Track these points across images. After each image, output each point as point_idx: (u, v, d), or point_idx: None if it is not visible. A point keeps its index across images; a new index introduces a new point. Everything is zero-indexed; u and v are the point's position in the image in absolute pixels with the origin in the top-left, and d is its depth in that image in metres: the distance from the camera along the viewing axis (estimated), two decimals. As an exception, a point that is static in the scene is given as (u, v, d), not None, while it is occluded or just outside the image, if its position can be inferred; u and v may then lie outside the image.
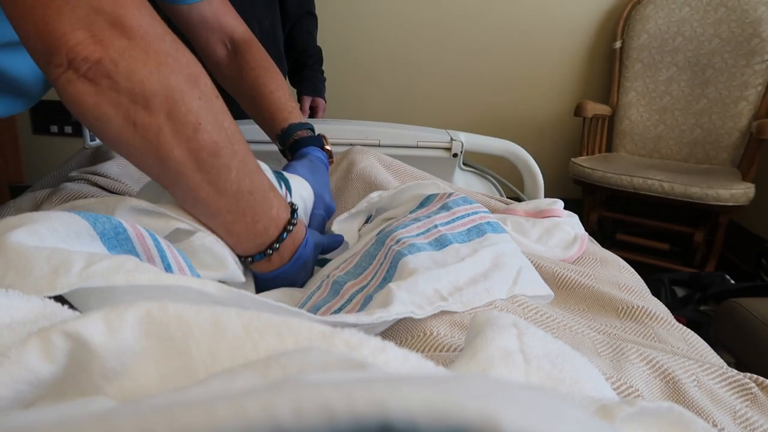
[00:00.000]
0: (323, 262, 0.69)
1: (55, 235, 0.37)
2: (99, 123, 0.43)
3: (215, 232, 0.52)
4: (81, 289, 0.33)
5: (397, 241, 0.59)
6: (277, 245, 0.55)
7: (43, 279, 0.32)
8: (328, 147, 0.86)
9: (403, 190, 0.77)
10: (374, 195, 0.76)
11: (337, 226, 0.72)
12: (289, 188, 0.67)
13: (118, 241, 0.42)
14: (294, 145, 0.83)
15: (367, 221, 0.79)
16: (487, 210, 0.69)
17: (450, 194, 0.71)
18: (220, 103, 0.49)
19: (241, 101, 0.89)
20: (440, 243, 0.60)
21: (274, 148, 0.89)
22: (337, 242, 0.70)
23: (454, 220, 0.65)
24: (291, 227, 0.56)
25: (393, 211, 0.75)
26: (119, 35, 0.42)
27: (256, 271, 0.57)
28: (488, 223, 0.66)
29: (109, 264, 0.34)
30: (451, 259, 0.56)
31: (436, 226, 0.63)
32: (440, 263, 0.55)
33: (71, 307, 0.33)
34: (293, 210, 0.58)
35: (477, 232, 0.64)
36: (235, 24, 0.88)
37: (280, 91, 0.85)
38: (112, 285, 0.33)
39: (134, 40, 0.42)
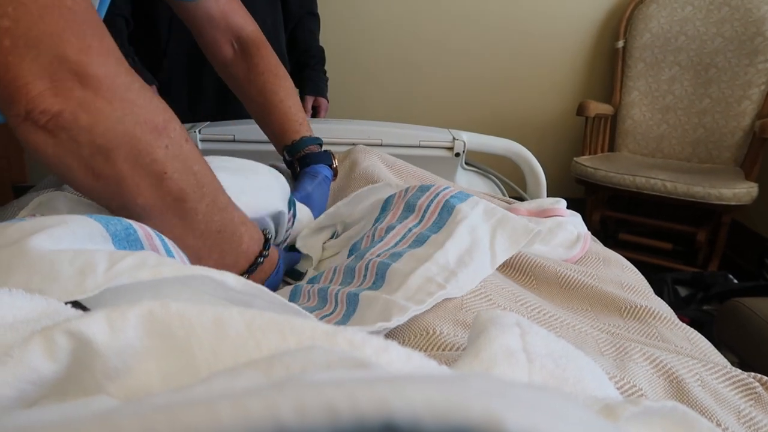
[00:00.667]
0: (296, 274, 0.69)
1: (71, 238, 0.37)
2: (60, 171, 0.43)
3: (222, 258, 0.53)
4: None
5: (378, 255, 0.59)
6: (246, 275, 0.56)
7: (70, 281, 0.32)
8: (335, 164, 0.87)
9: (359, 198, 0.77)
10: (332, 208, 0.77)
11: (301, 242, 0.73)
12: (294, 215, 0.70)
13: (128, 242, 0.42)
14: (304, 159, 0.83)
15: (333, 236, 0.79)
16: (448, 185, 0.70)
17: (407, 190, 0.72)
18: (189, 147, 0.48)
19: (247, 104, 0.89)
20: (419, 242, 0.61)
21: (273, 147, 0.90)
22: (293, 261, 0.70)
23: (423, 216, 0.66)
24: (261, 259, 0.57)
25: (357, 227, 0.75)
26: (82, 86, 0.41)
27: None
28: (453, 196, 0.67)
29: (133, 261, 0.34)
30: (432, 250, 0.57)
31: (410, 230, 0.63)
32: (424, 258, 0.56)
33: (74, 305, 0.33)
34: (266, 240, 0.58)
35: (447, 211, 0.64)
36: (243, 23, 0.87)
37: (289, 99, 0.85)
38: (139, 281, 0.33)
39: (98, 91, 0.42)
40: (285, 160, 0.87)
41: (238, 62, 0.87)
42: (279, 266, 0.61)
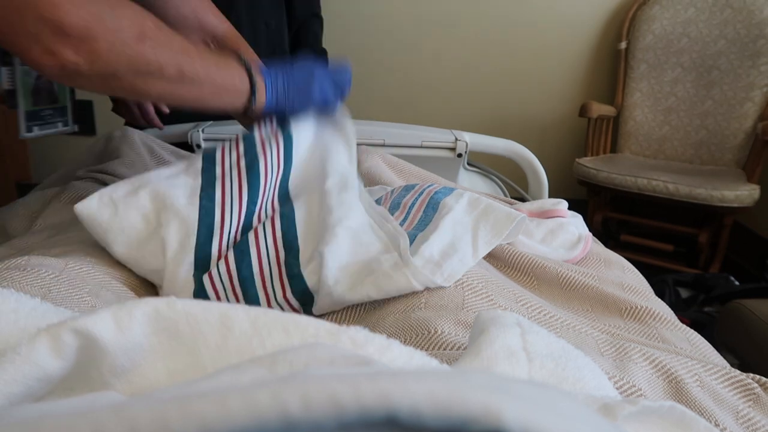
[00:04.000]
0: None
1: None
2: (88, 90, 0.55)
3: (220, 109, 0.65)
4: None
5: None
6: (254, 82, 0.66)
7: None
8: None
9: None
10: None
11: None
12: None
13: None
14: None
15: None
16: (432, 183, 0.71)
17: (392, 191, 0.72)
18: (164, 32, 0.57)
19: None
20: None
21: None
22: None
23: (408, 212, 0.66)
24: (251, 70, 0.67)
25: None
26: (66, 38, 0.48)
27: (259, 109, 0.68)
28: (438, 191, 0.68)
29: None
30: (419, 243, 0.58)
31: None
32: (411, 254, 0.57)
33: None
34: (243, 62, 0.68)
35: (432, 207, 0.65)
36: (216, 22, 0.88)
37: None
38: None
39: (81, 35, 0.48)
40: None
41: None
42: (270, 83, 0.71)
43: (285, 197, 0.66)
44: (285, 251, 0.58)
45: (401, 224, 0.64)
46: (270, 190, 0.64)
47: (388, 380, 0.11)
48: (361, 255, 0.57)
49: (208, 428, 0.11)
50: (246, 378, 0.17)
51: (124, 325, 0.25)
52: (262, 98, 0.69)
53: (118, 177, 0.85)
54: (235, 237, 0.59)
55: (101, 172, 0.86)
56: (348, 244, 0.57)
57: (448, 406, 0.11)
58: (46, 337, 0.25)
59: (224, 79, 0.64)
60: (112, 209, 0.57)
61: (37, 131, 0.76)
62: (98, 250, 0.58)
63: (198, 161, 0.66)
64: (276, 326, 0.24)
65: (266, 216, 0.62)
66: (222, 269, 0.56)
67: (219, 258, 0.57)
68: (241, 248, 0.58)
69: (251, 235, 0.59)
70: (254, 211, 0.61)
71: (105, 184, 0.83)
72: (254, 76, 0.67)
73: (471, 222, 0.64)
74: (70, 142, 2.59)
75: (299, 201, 0.64)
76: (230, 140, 0.69)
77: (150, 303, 0.26)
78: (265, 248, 0.58)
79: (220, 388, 0.12)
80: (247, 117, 0.71)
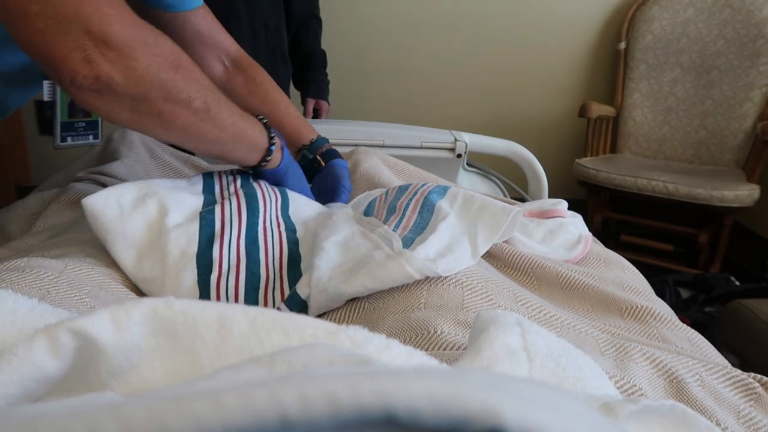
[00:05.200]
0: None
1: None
2: (111, 117, 0.55)
3: (233, 158, 0.68)
4: None
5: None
6: (272, 134, 0.71)
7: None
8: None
9: (356, 206, 0.78)
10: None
11: None
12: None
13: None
14: (327, 154, 0.91)
15: None
16: (424, 182, 0.71)
17: (387, 192, 0.73)
18: (197, 71, 0.60)
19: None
20: (403, 244, 0.61)
21: None
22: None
23: (403, 214, 0.66)
24: (272, 132, 0.71)
25: None
26: (108, 51, 0.50)
27: (273, 166, 0.73)
28: (431, 191, 0.68)
29: None
30: (416, 245, 0.58)
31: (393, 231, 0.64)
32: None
33: None
34: (263, 122, 0.71)
35: (428, 210, 0.65)
36: (230, 42, 0.92)
37: (291, 107, 0.95)
38: None
39: (122, 51, 0.50)
40: (304, 158, 0.92)
41: (232, 76, 0.92)
42: (283, 147, 0.76)
43: (287, 217, 0.68)
44: (288, 265, 0.59)
45: (397, 226, 0.64)
46: (271, 210, 0.66)
47: (386, 379, 0.11)
48: (351, 254, 0.57)
49: (204, 427, 0.11)
50: (244, 377, 0.17)
51: (122, 325, 0.25)
52: (277, 159, 0.73)
53: (118, 178, 0.85)
54: (237, 242, 0.59)
55: (101, 173, 0.86)
56: (337, 252, 0.58)
57: (447, 404, 0.11)
58: (43, 338, 0.25)
59: (246, 128, 0.66)
60: (118, 211, 0.58)
61: (69, 141, 0.82)
62: (97, 251, 0.58)
63: (198, 183, 0.69)
64: (274, 326, 0.24)
65: (271, 228, 0.63)
66: (231, 279, 0.56)
67: (221, 261, 0.57)
68: (250, 252, 0.58)
69: (260, 241, 0.60)
70: (257, 222, 0.62)
71: (105, 185, 0.83)
72: (273, 136, 0.71)
73: (468, 222, 0.64)
74: (69, 144, 2.59)
75: (298, 225, 0.67)
76: (226, 174, 0.73)
77: (148, 303, 0.26)
78: (272, 256, 0.59)
79: (217, 388, 0.12)
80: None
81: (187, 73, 0.58)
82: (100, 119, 0.84)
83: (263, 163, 0.71)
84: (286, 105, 0.93)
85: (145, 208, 0.59)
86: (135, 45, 0.51)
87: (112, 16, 0.50)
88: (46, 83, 0.76)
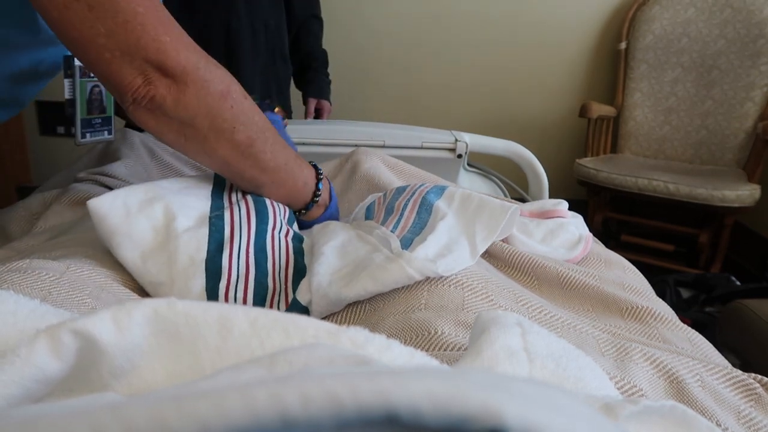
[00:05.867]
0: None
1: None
2: (159, 137, 0.59)
3: (272, 198, 0.67)
4: None
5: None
6: (319, 192, 0.70)
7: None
8: (277, 110, 1.00)
9: (355, 216, 0.78)
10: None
11: None
12: None
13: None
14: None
15: None
16: (422, 183, 0.71)
17: (385, 194, 0.73)
18: (249, 103, 0.61)
19: None
20: (402, 245, 0.61)
21: None
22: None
23: (401, 215, 0.66)
24: (322, 176, 0.71)
25: None
26: (164, 76, 0.55)
27: (309, 219, 0.73)
28: (429, 192, 0.68)
29: None
30: (416, 245, 0.58)
31: (391, 232, 0.64)
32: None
33: None
34: (314, 166, 0.72)
35: (426, 210, 0.65)
36: None
37: None
38: None
39: (176, 77, 0.55)
40: None
41: None
42: (332, 194, 0.75)
43: (293, 225, 0.68)
44: (294, 276, 0.59)
45: (396, 226, 0.64)
46: (279, 217, 0.66)
47: (386, 379, 0.11)
48: (350, 257, 0.57)
49: (206, 427, 0.11)
50: (245, 378, 0.17)
51: (124, 326, 0.25)
52: (317, 212, 0.73)
53: (119, 179, 0.85)
54: (247, 251, 0.59)
55: (102, 174, 0.86)
56: (335, 256, 0.58)
57: (447, 404, 0.11)
58: (45, 339, 0.25)
59: (290, 174, 0.66)
60: (124, 213, 0.57)
61: (89, 137, 0.83)
62: (99, 252, 0.58)
63: (207, 185, 0.68)
64: (275, 327, 0.24)
65: (279, 236, 0.63)
66: (240, 288, 0.56)
67: (230, 270, 0.56)
68: (259, 261, 0.58)
69: (269, 249, 0.59)
70: (266, 230, 0.61)
71: (106, 185, 0.83)
72: (320, 190, 0.71)
73: (466, 221, 0.64)
74: (69, 145, 2.59)
75: (305, 233, 0.67)
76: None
77: (149, 304, 0.26)
78: (278, 266, 0.59)
79: (218, 387, 0.12)
80: None
81: (237, 104, 0.59)
82: (113, 115, 0.86)
83: (303, 211, 0.71)
84: None
85: (152, 211, 0.58)
86: (188, 70, 0.55)
87: (168, 44, 0.54)
88: (66, 81, 0.77)
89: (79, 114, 0.80)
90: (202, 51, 0.58)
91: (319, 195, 0.70)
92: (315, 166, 0.72)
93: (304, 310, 0.55)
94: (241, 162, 0.61)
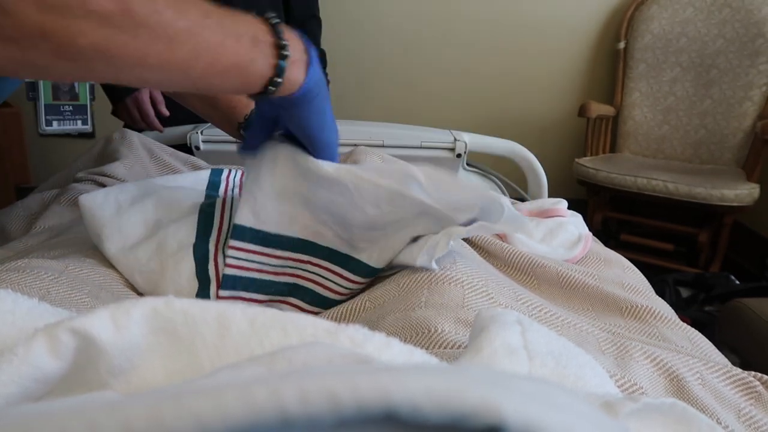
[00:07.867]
0: None
1: None
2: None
3: (219, 89, 0.48)
4: None
5: None
6: (284, 41, 0.45)
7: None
8: None
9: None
10: None
11: None
12: None
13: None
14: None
15: None
16: None
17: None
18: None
19: (187, 100, 0.81)
20: None
21: None
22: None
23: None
24: (275, 20, 0.46)
25: None
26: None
27: (291, 89, 0.48)
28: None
29: None
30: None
31: None
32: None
33: None
34: (270, 22, 0.46)
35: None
36: None
37: None
38: None
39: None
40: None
41: None
42: (306, 43, 0.50)
43: None
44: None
45: None
46: None
47: (386, 376, 0.11)
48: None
49: (203, 425, 0.11)
50: (244, 376, 0.17)
51: (122, 324, 0.25)
52: (300, 75, 0.48)
53: (118, 179, 0.85)
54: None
55: (100, 174, 0.86)
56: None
57: (447, 400, 0.11)
58: (43, 338, 0.25)
59: (218, 31, 0.42)
60: (116, 209, 0.57)
61: (56, 126, 0.75)
62: (98, 251, 0.58)
63: (203, 181, 0.67)
64: (274, 326, 0.24)
65: None
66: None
67: (216, 254, 0.57)
68: None
69: None
70: None
71: (104, 186, 0.83)
72: (283, 35, 0.46)
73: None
74: (69, 145, 2.59)
75: None
76: (236, 169, 0.71)
77: (148, 302, 0.26)
78: None
79: (217, 385, 0.12)
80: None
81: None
82: (88, 103, 0.77)
83: (277, 80, 0.46)
84: None
85: (143, 205, 0.59)
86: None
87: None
88: None
89: (42, 99, 0.72)
90: None
91: (285, 45, 0.45)
92: (268, 22, 0.47)
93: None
94: (123, 42, 0.37)
